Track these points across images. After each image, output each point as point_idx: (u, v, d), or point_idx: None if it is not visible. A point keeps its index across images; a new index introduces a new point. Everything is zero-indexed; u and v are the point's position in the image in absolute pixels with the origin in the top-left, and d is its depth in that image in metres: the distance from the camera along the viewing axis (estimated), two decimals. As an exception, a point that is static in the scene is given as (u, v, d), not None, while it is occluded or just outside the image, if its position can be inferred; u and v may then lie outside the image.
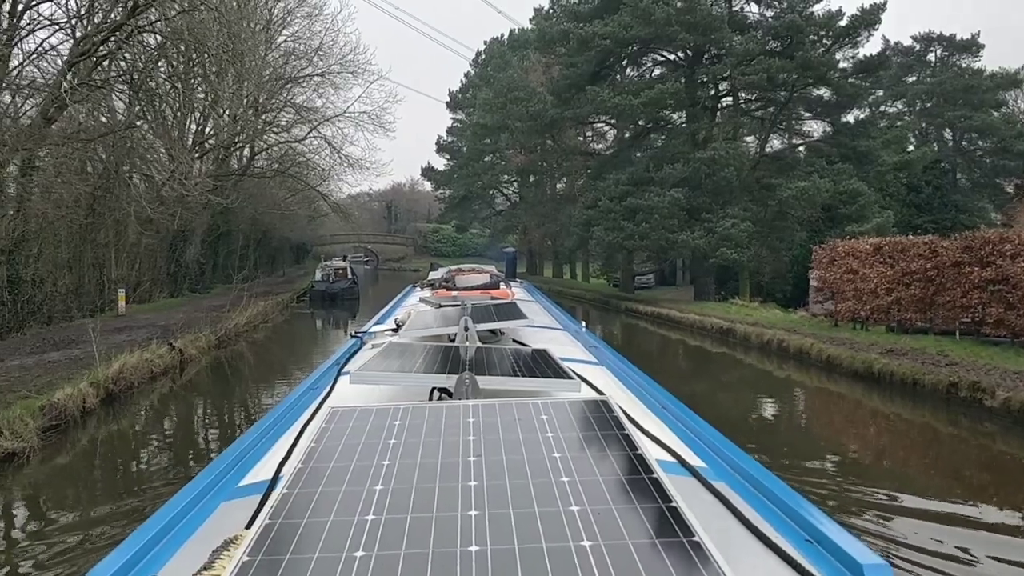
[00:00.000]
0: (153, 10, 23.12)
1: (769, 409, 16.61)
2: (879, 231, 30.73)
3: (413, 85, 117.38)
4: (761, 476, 2.50)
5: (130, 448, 12.88)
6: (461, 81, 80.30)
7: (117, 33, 21.45)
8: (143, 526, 2.27)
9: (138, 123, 30.48)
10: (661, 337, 29.38)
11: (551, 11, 52.34)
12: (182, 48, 30.31)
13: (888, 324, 21.29)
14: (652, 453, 2.12)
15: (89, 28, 21.29)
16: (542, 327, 6.89)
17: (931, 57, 58.31)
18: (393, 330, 6.29)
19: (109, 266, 31.59)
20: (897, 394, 15.96)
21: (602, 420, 2.32)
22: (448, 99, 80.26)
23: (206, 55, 28.55)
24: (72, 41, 22.47)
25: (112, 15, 22.38)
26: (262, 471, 2.76)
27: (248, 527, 1.99)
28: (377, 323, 7.79)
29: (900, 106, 57.08)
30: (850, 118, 37.66)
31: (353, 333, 6.70)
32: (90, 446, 12.51)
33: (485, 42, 78.95)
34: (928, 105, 56.47)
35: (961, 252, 18.72)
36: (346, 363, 4.98)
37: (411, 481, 1.90)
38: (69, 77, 21.31)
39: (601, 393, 3.42)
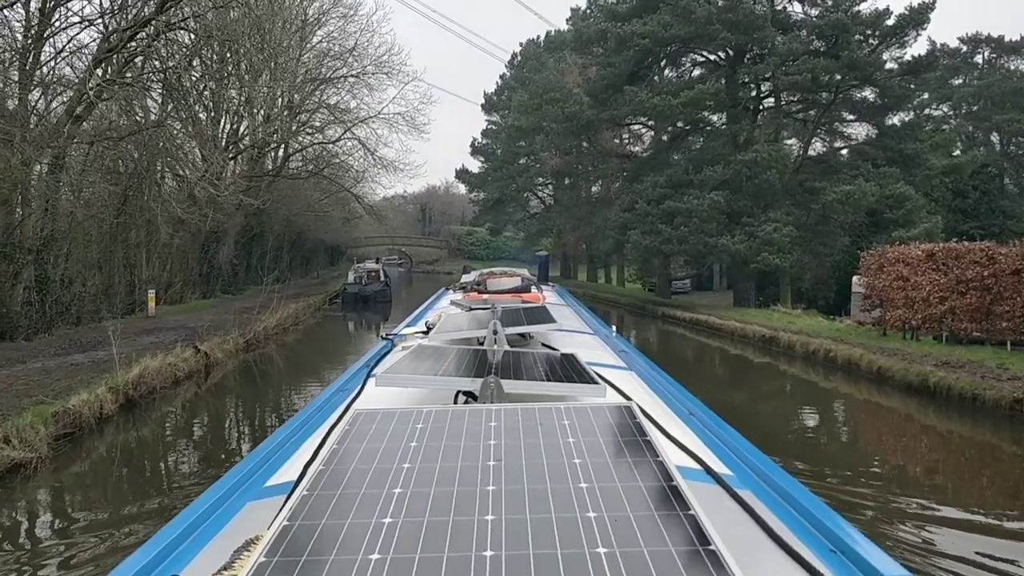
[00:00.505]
0: (185, 8, 22.84)
1: (817, 424, 15.76)
2: (927, 237, 29.62)
3: (448, 87, 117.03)
4: (787, 484, 2.47)
5: (147, 458, 12.34)
6: (496, 83, 79.93)
7: (147, 30, 21.12)
8: (169, 524, 2.27)
9: (169, 122, 30.27)
10: (700, 345, 28.50)
11: (588, 11, 51.55)
12: (216, 47, 30.13)
13: (939, 334, 20.33)
14: (677, 460, 2.18)
15: (121, 24, 20.88)
16: (572, 331, 6.89)
17: (978, 59, 56.83)
18: (424, 332, 6.29)
19: (140, 266, 31.35)
20: (955, 410, 15.02)
21: (624, 426, 2.31)
22: (483, 101, 79.87)
23: (240, 52, 28.27)
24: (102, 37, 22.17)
25: (144, 11, 22.05)
26: (288, 472, 2.77)
27: (271, 528, 1.94)
28: (408, 325, 7.81)
29: (945, 109, 55.69)
30: (895, 121, 36.51)
31: (384, 335, 6.67)
32: (105, 456, 11.97)
33: (521, 44, 78.49)
34: (975, 108, 54.94)
35: (1021, 259, 17.74)
36: (376, 365, 4.98)
37: (430, 485, 1.90)
38: (98, 74, 21.02)
39: (627, 398, 3.33)
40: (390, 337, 6.45)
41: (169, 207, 27.51)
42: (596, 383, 3.39)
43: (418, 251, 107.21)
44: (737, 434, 3.22)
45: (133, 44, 22.55)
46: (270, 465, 2.96)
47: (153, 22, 20.73)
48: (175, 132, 31.64)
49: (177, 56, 27.51)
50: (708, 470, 2.56)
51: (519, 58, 76.43)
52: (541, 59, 67.39)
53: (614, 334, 7.10)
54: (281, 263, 57.62)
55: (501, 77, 79.31)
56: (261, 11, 25.42)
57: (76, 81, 20.75)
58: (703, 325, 30.85)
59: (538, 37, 75.94)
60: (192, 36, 27.29)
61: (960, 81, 55.92)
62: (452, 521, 1.69)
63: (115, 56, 22.96)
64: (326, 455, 2.17)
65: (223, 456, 12.49)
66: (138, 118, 27.98)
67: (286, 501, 2.17)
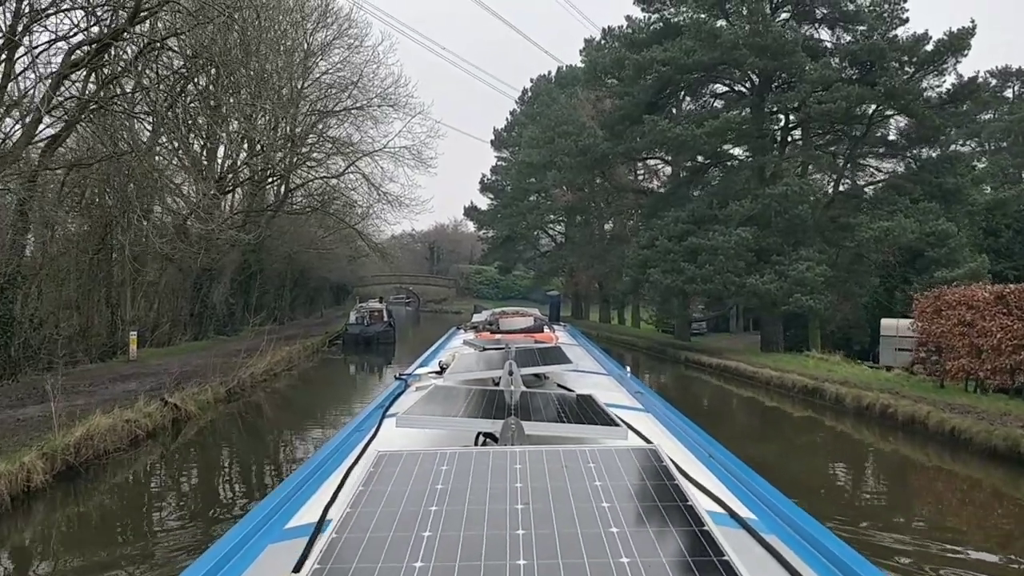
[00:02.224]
0: (165, 27, 20.96)
1: (888, 501, 13.26)
2: (973, 278, 27.24)
3: (457, 125, 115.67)
4: (813, 529, 2.43)
5: (79, 550, 9.89)
6: (506, 119, 78.28)
7: (122, 49, 19.13)
8: (192, 566, 2.23)
9: (159, 152, 28.30)
10: (731, 395, 25.96)
11: (603, 42, 49.62)
12: (211, 74, 28.26)
13: (1010, 387, 17.88)
14: (702, 504, 2.14)
15: (86, 37, 18.84)
16: (586, 372, 6.78)
17: (1008, 93, 54.64)
18: (437, 372, 6.22)
19: (124, 306, 29.15)
20: (1058, 483, 12.58)
21: (651, 469, 2.29)
22: (493, 137, 78.10)
23: (233, 79, 26.38)
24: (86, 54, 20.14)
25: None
26: (308, 513, 2.72)
27: (296, 571, 2.00)
28: (422, 365, 7.66)
29: (972, 145, 53.46)
30: (930, 155, 34.23)
31: (398, 375, 6.53)
32: (20, 548, 9.60)
33: (532, 79, 76.89)
34: (1004, 144, 52.70)
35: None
36: (391, 405, 4.95)
37: (459, 528, 1.88)
38: (65, 93, 19.03)
39: (649, 441, 3.32)
40: (404, 377, 6.31)
41: (152, 243, 25.27)
42: (617, 425, 3.31)
43: (426, 290, 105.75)
44: (759, 477, 3.07)
45: (108, 63, 20.62)
46: (289, 507, 2.89)
47: (125, 38, 18.71)
48: (165, 162, 29.76)
49: (169, 80, 25.74)
50: (733, 515, 2.50)
51: (529, 94, 74.81)
52: (552, 95, 65.84)
53: (629, 375, 6.82)
54: (282, 302, 55.55)
55: (511, 113, 77.83)
56: (251, 34, 23.60)
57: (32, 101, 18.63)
58: (732, 372, 28.33)
59: (549, 73, 74.55)
60: (181, 60, 25.53)
61: (989, 116, 53.67)
62: (484, 566, 1.67)
63: (93, 75, 21.10)
64: (352, 497, 2.12)
65: (185, 543, 10.05)
66: (126, 146, 26.02)
67: (309, 543, 2.21)
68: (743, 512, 2.58)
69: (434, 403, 3.73)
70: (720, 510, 2.56)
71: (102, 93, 21.97)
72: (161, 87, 24.87)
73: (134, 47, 21.60)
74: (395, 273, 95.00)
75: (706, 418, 20.17)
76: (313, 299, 70.50)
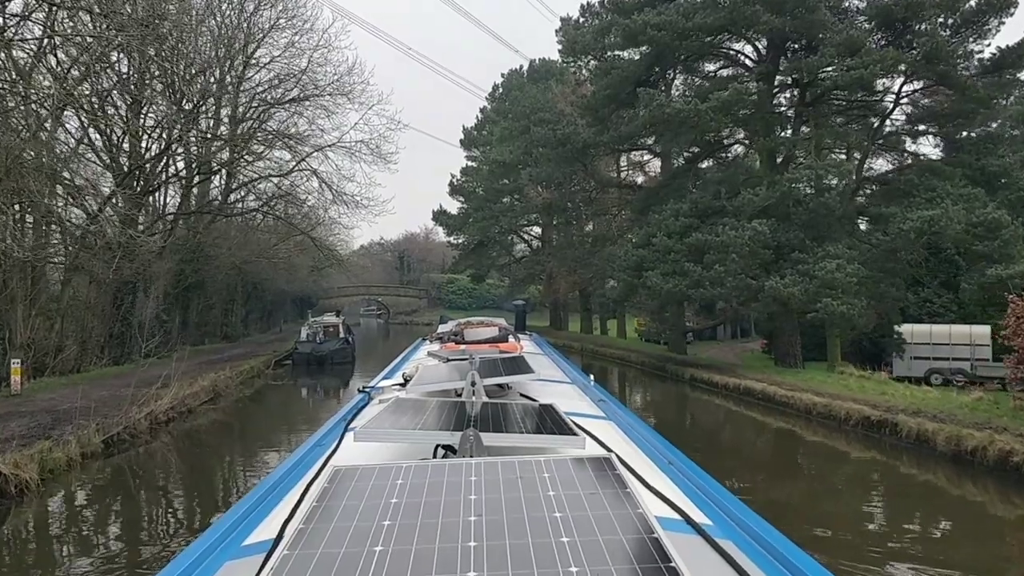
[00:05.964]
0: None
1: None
2: (1030, 276, 22.66)
3: (426, 128, 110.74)
4: (767, 534, 2.38)
5: None
6: (476, 117, 73.09)
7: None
8: None
9: (54, 135, 23.18)
10: (758, 426, 20.70)
11: (582, 19, 44.68)
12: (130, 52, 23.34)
13: None
14: (657, 511, 2.26)
15: None
16: (550, 381, 6.65)
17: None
18: (401, 384, 6.10)
19: (15, 327, 23.86)
20: None
21: (605, 478, 2.27)
22: (462, 136, 72.99)
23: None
24: None
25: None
26: (266, 530, 2.64)
27: None
28: (385, 377, 7.38)
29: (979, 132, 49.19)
30: (970, 133, 29.84)
31: (361, 388, 6.19)
32: None
33: (502, 74, 71.85)
34: (1016, 133, 48.38)
35: None
36: (353, 419, 4.86)
37: (411, 542, 1.86)
38: None
39: (608, 449, 3.19)
40: (367, 390, 6.00)
41: (10, 247, 20.01)
42: (575, 434, 3.25)
43: (396, 301, 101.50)
44: (716, 483, 3.04)
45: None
46: (248, 523, 2.78)
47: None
48: (68, 151, 24.74)
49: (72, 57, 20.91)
50: (688, 520, 2.46)
51: (500, 90, 69.79)
52: (524, 89, 61.02)
53: (592, 383, 6.45)
54: (232, 317, 50.29)
55: (481, 111, 72.70)
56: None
57: None
58: (755, 395, 23.23)
59: (521, 67, 69.53)
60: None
61: (1004, 101, 49.35)
62: None
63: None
64: (306, 513, 2.10)
65: None
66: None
67: (265, 560, 2.10)
68: (699, 518, 2.52)
69: (395, 416, 3.63)
70: (676, 516, 2.50)
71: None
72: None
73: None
74: (363, 284, 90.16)
75: (734, 465, 15.19)
76: (271, 313, 65.25)
